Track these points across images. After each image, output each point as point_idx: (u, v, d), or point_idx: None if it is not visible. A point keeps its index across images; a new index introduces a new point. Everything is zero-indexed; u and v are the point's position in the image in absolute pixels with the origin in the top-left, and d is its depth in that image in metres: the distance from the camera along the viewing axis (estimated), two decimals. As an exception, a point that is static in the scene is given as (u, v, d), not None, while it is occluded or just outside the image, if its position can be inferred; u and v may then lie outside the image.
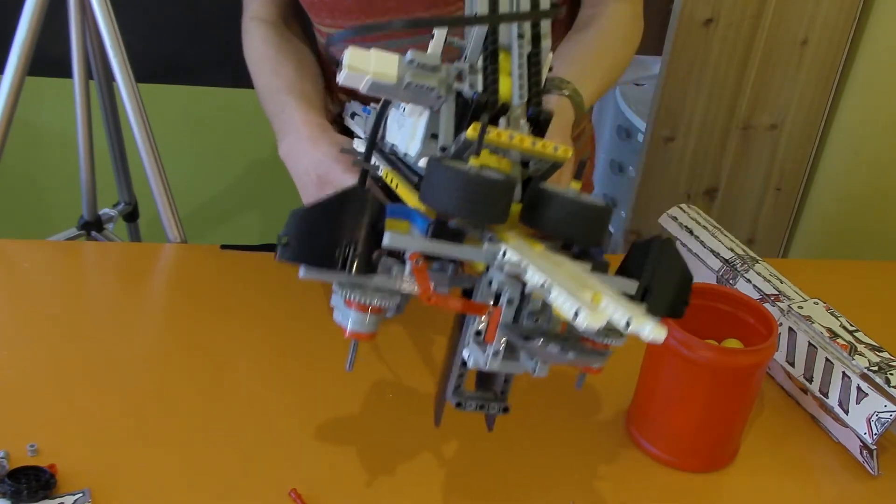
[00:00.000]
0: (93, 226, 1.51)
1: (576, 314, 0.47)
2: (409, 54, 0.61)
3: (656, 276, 0.61)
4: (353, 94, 1.09)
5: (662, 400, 0.83)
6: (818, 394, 0.88)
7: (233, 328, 0.96)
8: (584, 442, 0.85)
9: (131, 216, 1.64)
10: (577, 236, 0.58)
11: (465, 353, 0.61)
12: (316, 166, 0.86)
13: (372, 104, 0.88)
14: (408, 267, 0.59)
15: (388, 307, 0.59)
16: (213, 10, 2.11)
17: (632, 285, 0.60)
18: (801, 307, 0.93)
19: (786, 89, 1.71)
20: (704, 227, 1.09)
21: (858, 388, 0.84)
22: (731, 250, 1.05)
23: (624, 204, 1.83)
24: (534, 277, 0.52)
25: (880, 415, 0.82)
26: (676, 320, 0.78)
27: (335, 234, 0.57)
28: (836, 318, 0.92)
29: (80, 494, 0.72)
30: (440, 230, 0.58)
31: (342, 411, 0.86)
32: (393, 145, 0.72)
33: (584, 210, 0.57)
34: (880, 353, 0.86)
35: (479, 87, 0.61)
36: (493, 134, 0.56)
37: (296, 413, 0.85)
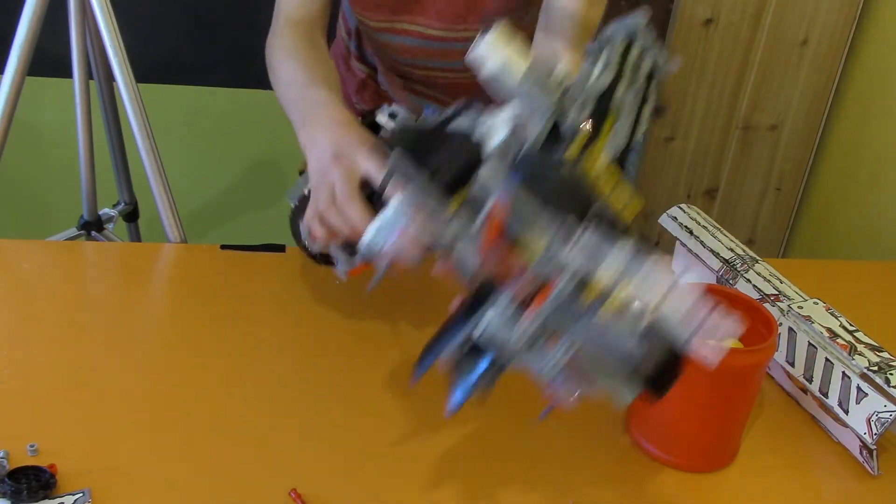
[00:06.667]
0: (93, 226, 1.51)
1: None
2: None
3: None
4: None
5: (662, 400, 0.83)
6: (818, 394, 0.88)
7: (233, 328, 0.96)
8: (584, 442, 0.85)
9: (131, 216, 1.64)
10: None
11: (483, 326, 0.60)
12: (335, 143, 0.88)
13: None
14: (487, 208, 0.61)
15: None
16: (214, 9, 2.11)
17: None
18: (801, 307, 0.93)
19: (786, 89, 1.71)
20: (704, 227, 1.09)
21: (858, 388, 0.84)
22: (731, 250, 1.05)
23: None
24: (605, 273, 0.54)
25: (880, 415, 0.82)
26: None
27: (438, 151, 0.60)
28: (836, 318, 0.91)
29: (80, 494, 0.72)
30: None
31: (342, 411, 0.86)
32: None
33: None
34: (880, 353, 0.86)
35: (580, 124, 0.64)
36: (588, 163, 0.61)
37: (296, 413, 0.85)
